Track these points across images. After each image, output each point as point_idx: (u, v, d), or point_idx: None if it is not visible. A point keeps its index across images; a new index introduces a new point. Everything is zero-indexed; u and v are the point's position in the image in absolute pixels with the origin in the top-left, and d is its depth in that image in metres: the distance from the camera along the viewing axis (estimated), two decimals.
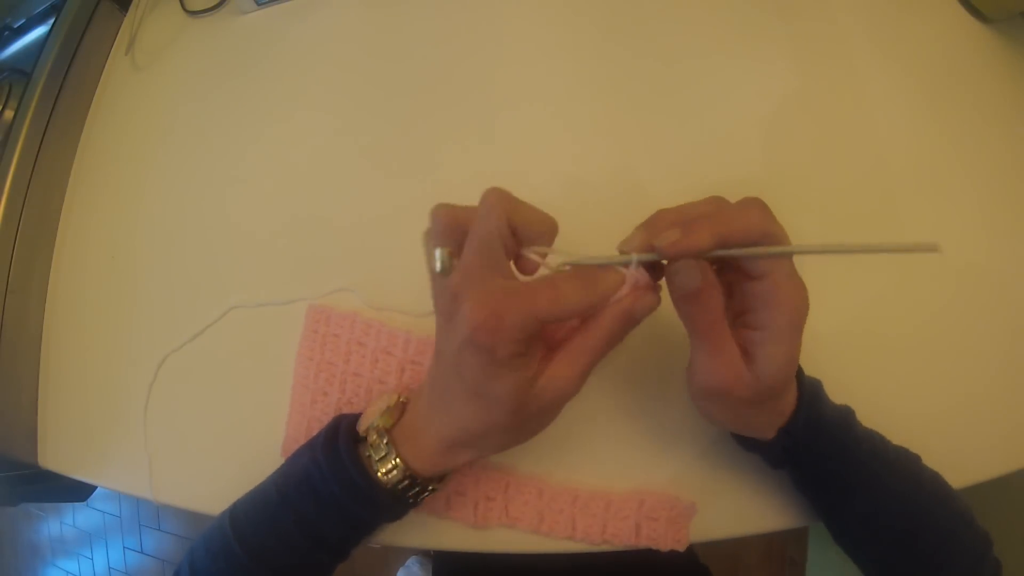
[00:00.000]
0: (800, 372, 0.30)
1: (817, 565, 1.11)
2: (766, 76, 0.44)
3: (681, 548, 0.33)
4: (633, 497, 0.34)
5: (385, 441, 0.30)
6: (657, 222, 0.26)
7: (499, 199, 0.26)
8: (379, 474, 0.30)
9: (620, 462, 0.36)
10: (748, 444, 0.32)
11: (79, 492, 0.48)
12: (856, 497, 0.30)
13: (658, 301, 0.26)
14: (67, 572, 1.53)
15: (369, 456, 0.30)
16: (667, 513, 0.34)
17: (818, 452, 0.29)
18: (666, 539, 0.33)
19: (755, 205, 0.25)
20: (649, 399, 0.37)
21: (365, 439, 0.31)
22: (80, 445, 0.43)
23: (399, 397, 0.32)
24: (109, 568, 1.49)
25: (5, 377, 0.43)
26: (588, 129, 0.44)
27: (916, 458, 0.32)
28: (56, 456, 0.43)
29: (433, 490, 0.31)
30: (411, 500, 0.31)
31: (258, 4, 0.52)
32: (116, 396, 0.43)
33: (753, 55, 0.44)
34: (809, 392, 0.29)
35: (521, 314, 0.23)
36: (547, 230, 0.27)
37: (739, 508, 0.35)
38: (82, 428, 0.43)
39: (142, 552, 1.47)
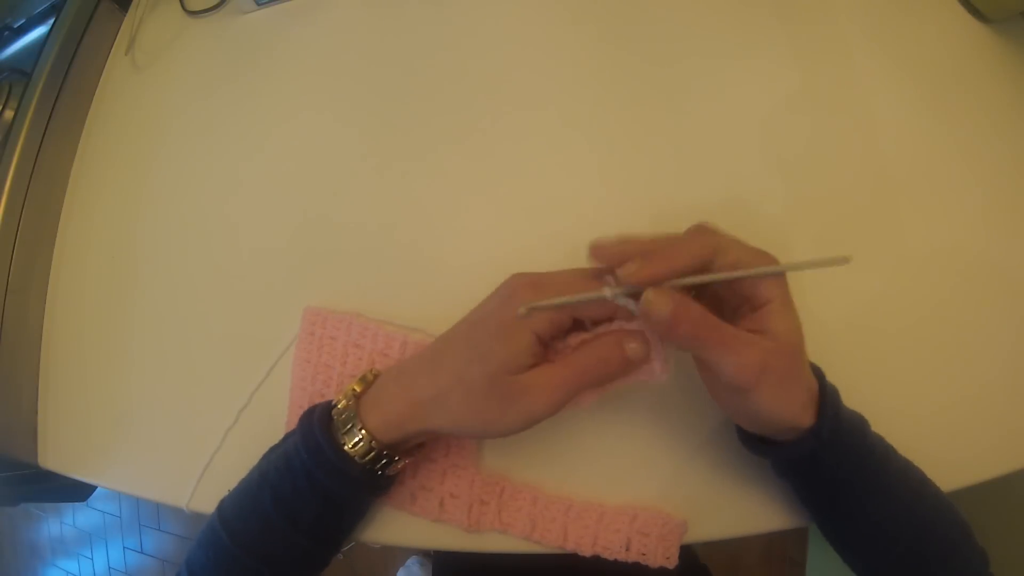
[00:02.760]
0: (820, 373, 0.30)
1: (817, 565, 1.11)
2: (767, 77, 0.44)
3: (670, 565, 0.33)
4: (626, 511, 0.34)
5: (352, 403, 0.31)
6: (622, 251, 0.28)
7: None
8: (344, 439, 0.30)
9: (615, 469, 0.36)
10: (763, 449, 0.31)
11: (79, 492, 0.48)
12: (867, 506, 0.30)
13: (648, 351, 0.28)
14: (67, 572, 1.53)
15: (336, 425, 0.31)
16: (659, 530, 0.34)
17: (837, 456, 0.29)
18: (656, 555, 0.34)
19: (698, 231, 0.28)
20: (646, 405, 0.37)
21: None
22: (80, 445, 0.43)
23: (371, 371, 0.34)
24: (109, 568, 1.49)
25: (5, 377, 0.43)
26: (590, 131, 0.44)
27: (919, 469, 0.32)
28: (56, 456, 0.43)
29: (398, 460, 0.31)
30: (378, 471, 0.31)
31: (258, 4, 0.52)
32: (116, 396, 0.43)
33: (754, 56, 0.44)
34: (831, 391, 0.30)
35: (558, 292, 0.28)
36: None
37: (739, 508, 0.35)
38: (82, 428, 0.43)
39: (142, 552, 1.47)
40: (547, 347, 0.30)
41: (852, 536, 0.32)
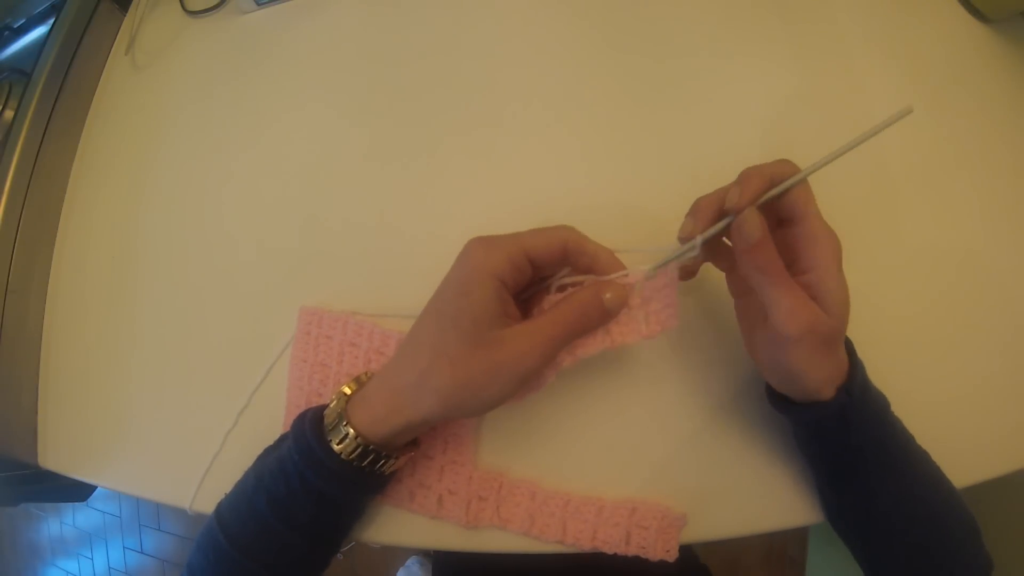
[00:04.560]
0: (850, 345, 0.31)
1: (817, 565, 1.11)
2: (766, 76, 0.44)
3: (671, 559, 0.33)
4: (625, 504, 0.34)
5: (341, 403, 0.31)
6: (701, 206, 0.29)
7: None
8: (332, 438, 0.30)
9: (614, 466, 0.36)
10: (791, 408, 0.31)
11: (79, 492, 0.48)
12: (887, 483, 0.30)
13: (623, 300, 0.30)
14: (67, 572, 1.53)
15: (326, 425, 0.31)
16: (658, 523, 0.34)
17: (864, 420, 0.30)
18: (656, 548, 0.33)
19: (785, 160, 0.29)
20: (645, 402, 0.37)
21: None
22: (80, 445, 0.43)
23: (366, 372, 0.34)
24: (109, 568, 1.49)
25: (5, 377, 0.43)
26: (590, 130, 0.44)
27: (935, 462, 0.32)
28: (56, 456, 0.43)
29: (387, 457, 0.31)
30: (369, 469, 0.31)
31: (258, 4, 0.52)
32: (116, 396, 0.43)
33: (753, 55, 0.44)
34: (859, 361, 0.30)
35: (510, 240, 0.29)
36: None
37: (739, 508, 0.35)
38: (82, 428, 0.43)
39: (142, 552, 1.47)
40: (519, 302, 0.31)
41: (867, 516, 0.31)
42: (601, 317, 0.30)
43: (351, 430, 0.30)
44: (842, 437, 0.30)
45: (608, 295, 0.29)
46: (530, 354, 0.28)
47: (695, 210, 0.30)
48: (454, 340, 0.28)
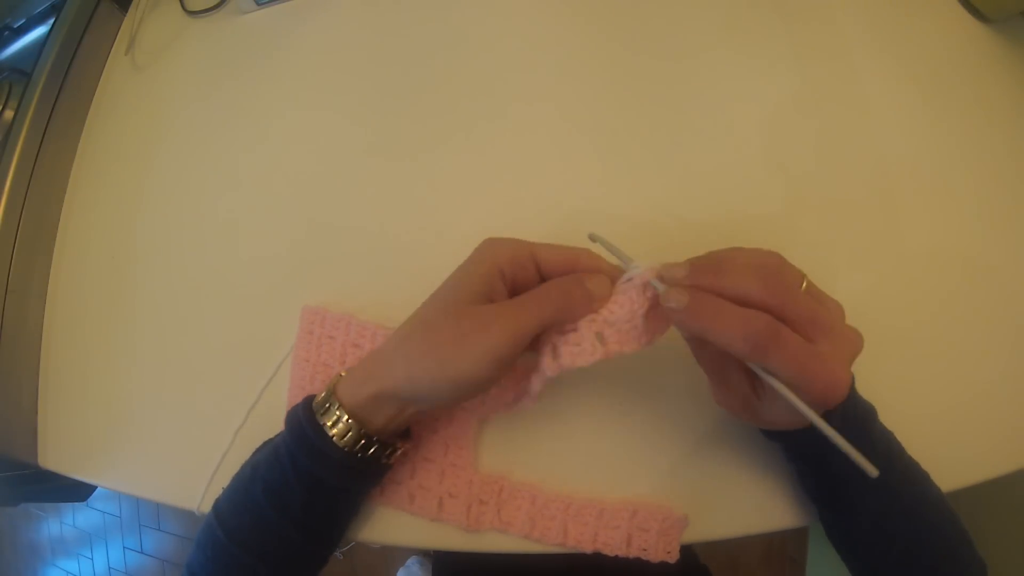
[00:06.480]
0: None
1: (817, 565, 1.11)
2: (766, 76, 0.44)
3: (671, 560, 0.33)
4: (625, 507, 0.34)
5: (333, 383, 0.31)
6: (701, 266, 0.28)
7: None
8: (324, 420, 0.30)
9: (615, 466, 0.36)
10: (773, 434, 0.32)
11: (79, 492, 0.48)
12: (868, 500, 0.30)
13: (607, 288, 0.29)
14: (67, 572, 1.53)
15: (316, 406, 0.31)
16: (659, 524, 0.34)
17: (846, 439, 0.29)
18: (657, 550, 0.33)
19: (758, 273, 0.25)
20: (645, 404, 0.37)
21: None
22: (80, 445, 0.43)
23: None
24: (109, 568, 1.49)
25: (5, 377, 0.43)
26: (591, 129, 0.44)
27: (925, 472, 0.32)
28: (56, 456, 0.43)
29: (379, 443, 0.31)
30: (358, 453, 0.31)
31: (258, 4, 0.52)
32: (116, 396, 0.43)
33: (753, 56, 0.44)
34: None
35: (519, 243, 0.30)
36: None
37: (739, 508, 0.35)
38: (82, 428, 0.43)
39: (142, 552, 1.47)
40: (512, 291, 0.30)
41: (851, 531, 0.32)
42: (584, 301, 0.28)
43: (344, 414, 0.30)
44: (822, 461, 0.30)
45: (594, 280, 0.29)
46: (497, 329, 0.27)
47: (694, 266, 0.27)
48: (433, 308, 0.30)
